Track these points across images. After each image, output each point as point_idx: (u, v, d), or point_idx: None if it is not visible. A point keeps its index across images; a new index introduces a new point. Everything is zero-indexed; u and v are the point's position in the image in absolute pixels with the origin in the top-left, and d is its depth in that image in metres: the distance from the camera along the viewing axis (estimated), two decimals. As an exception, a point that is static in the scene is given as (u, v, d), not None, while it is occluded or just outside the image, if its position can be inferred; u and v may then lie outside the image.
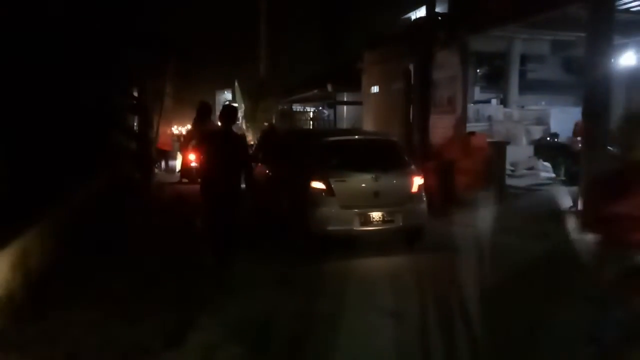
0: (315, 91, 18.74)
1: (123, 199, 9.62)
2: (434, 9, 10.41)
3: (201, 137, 6.12)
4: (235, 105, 13.01)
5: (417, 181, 6.36)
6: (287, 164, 7.24)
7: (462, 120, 10.33)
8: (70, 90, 8.68)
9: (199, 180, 5.92)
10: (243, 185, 5.55)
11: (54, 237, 5.68)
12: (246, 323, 4.13)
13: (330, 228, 6.04)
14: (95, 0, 9.07)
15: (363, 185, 6.16)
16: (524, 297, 4.57)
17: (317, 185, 6.10)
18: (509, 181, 10.61)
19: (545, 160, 12.03)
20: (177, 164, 15.69)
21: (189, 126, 18.55)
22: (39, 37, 7.40)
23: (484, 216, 7.33)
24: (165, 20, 14.27)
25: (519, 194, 9.91)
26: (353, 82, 15.67)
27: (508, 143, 11.13)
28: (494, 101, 14.85)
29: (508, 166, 11.00)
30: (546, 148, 12.13)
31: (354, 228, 6.04)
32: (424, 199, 6.43)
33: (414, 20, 14.10)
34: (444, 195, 8.82)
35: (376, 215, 6.07)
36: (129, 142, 12.28)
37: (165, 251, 6.32)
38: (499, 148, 10.21)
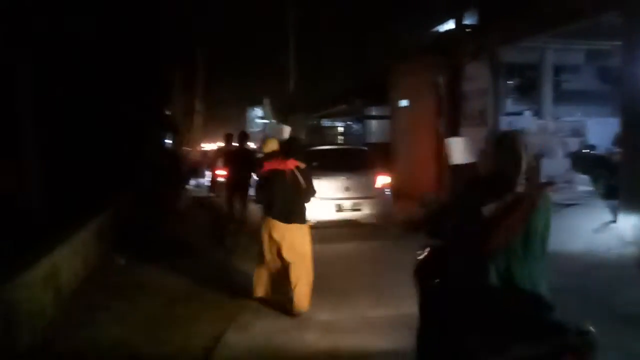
0: (344, 106, 18.71)
1: (152, 212, 9.83)
2: (463, 21, 10.27)
3: (227, 153, 9.30)
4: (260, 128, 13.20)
5: (380, 179, 8.28)
6: None
7: (494, 133, 10.09)
8: (108, 111, 9.01)
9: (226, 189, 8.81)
10: None
11: (85, 248, 5.78)
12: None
13: (311, 215, 7.48)
14: (127, 21, 9.36)
15: (336, 182, 8.08)
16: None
17: None
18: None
19: (582, 173, 11.60)
20: (207, 179, 15.86)
21: (219, 144, 18.81)
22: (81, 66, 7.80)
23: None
24: (195, 38, 14.55)
25: (556, 209, 9.56)
26: (382, 97, 15.57)
27: (543, 156, 10.80)
28: (527, 113, 14.46)
29: (543, 180, 10.65)
30: (583, 160, 11.70)
31: (331, 215, 8.05)
32: (388, 193, 8.27)
33: (442, 32, 13.97)
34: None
35: (347, 204, 8.03)
36: (160, 158, 12.57)
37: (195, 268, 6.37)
38: (534, 161, 9.90)
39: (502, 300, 2.17)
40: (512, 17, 9.39)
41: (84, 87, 8.18)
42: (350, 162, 8.64)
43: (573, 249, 6.53)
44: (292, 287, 4.57)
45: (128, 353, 3.89)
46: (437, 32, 14.53)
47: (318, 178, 7.87)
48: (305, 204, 4.81)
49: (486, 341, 2.10)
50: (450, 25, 12.20)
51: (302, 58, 21.36)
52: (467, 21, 10.41)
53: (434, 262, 2.62)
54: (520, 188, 2.25)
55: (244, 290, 5.05)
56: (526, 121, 13.74)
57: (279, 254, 4.67)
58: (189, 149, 16.28)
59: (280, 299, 4.73)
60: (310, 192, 4.80)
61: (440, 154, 10.39)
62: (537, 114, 13.94)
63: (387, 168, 9.31)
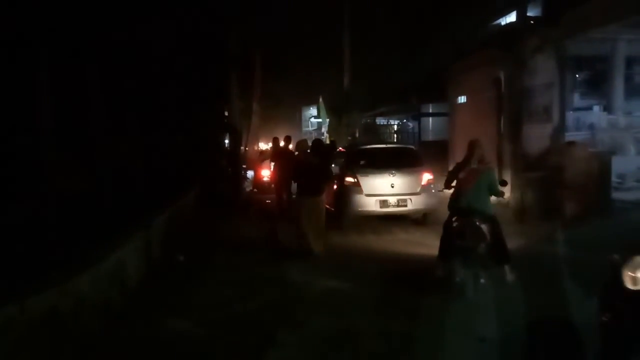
0: (399, 104, 18.47)
1: (211, 209, 10.07)
2: (526, 13, 9.84)
3: (274, 153, 10.89)
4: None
5: (426, 177, 8.63)
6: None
7: (560, 129, 9.61)
8: (170, 115, 9.32)
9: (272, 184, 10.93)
10: None
11: (148, 245, 5.99)
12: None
13: (359, 210, 8.55)
14: (186, 24, 9.62)
15: (382, 179, 8.54)
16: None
17: (349, 179, 8.65)
18: (616, 195, 9.67)
19: (658, 172, 10.80)
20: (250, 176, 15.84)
21: (267, 145, 19.12)
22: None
23: (585, 233, 6.72)
24: (252, 39, 14.76)
25: (627, 209, 8.97)
26: (439, 93, 15.23)
27: (614, 153, 10.16)
28: (596, 108, 13.68)
29: (614, 178, 10.04)
30: (659, 158, 10.90)
31: (376, 209, 8.49)
32: (433, 190, 8.54)
33: (504, 25, 13.46)
34: (542, 210, 8.22)
35: (392, 200, 8.45)
36: (220, 158, 12.90)
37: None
38: (603, 159, 9.35)
39: (467, 211, 5.14)
40: (579, 7, 8.89)
41: (149, 93, 8.49)
42: (396, 160, 9.02)
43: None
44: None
45: (187, 342, 4.01)
46: (499, 25, 14.03)
47: (365, 175, 8.63)
48: (324, 185, 6.89)
49: (459, 226, 5.17)
50: (512, 18, 11.75)
51: (356, 56, 21.19)
52: (530, 13, 9.96)
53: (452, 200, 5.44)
54: (474, 165, 5.23)
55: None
56: (595, 116, 13.02)
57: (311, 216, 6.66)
58: (247, 148, 16.59)
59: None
60: (328, 176, 7.11)
61: (502, 151, 10.02)
62: (607, 108, 13.16)
63: (440, 166, 9.29)
